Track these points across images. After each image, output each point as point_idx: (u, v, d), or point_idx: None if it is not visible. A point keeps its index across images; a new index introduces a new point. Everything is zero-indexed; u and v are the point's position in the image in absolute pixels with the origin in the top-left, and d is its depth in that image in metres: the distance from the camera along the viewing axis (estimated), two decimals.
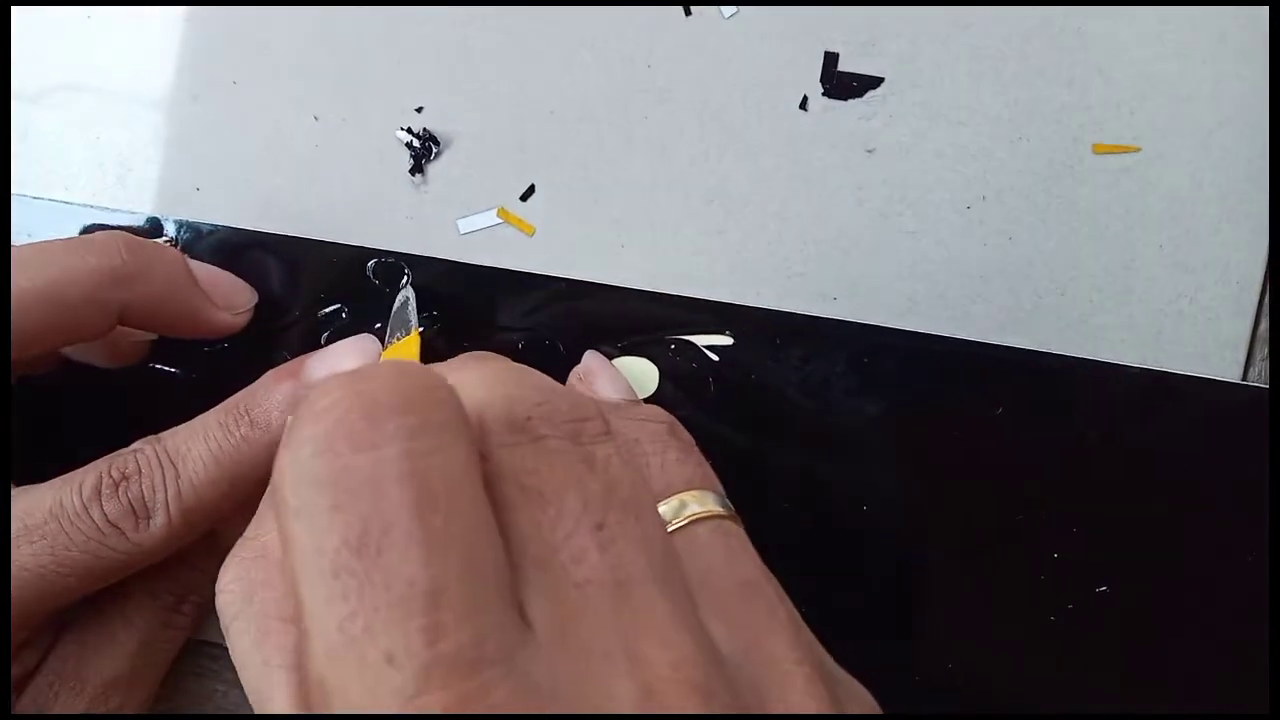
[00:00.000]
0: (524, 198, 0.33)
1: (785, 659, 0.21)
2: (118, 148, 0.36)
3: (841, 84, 0.31)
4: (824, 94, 0.32)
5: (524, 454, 0.20)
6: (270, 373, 0.31)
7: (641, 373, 0.33)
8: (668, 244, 0.33)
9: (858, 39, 0.31)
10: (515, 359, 0.33)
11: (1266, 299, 0.30)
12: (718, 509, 0.23)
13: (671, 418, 0.27)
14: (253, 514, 0.24)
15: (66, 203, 0.36)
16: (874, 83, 0.31)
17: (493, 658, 0.16)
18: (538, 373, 0.22)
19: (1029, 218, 0.31)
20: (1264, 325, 0.30)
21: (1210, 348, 0.30)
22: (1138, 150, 0.30)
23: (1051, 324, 0.31)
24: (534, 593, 0.18)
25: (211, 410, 0.30)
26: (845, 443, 0.32)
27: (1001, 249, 0.31)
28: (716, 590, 0.21)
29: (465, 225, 0.34)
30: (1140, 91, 0.30)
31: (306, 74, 0.34)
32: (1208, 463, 0.30)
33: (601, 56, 0.33)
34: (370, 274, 0.34)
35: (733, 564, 0.22)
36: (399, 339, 0.32)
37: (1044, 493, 0.31)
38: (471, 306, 0.33)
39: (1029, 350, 0.31)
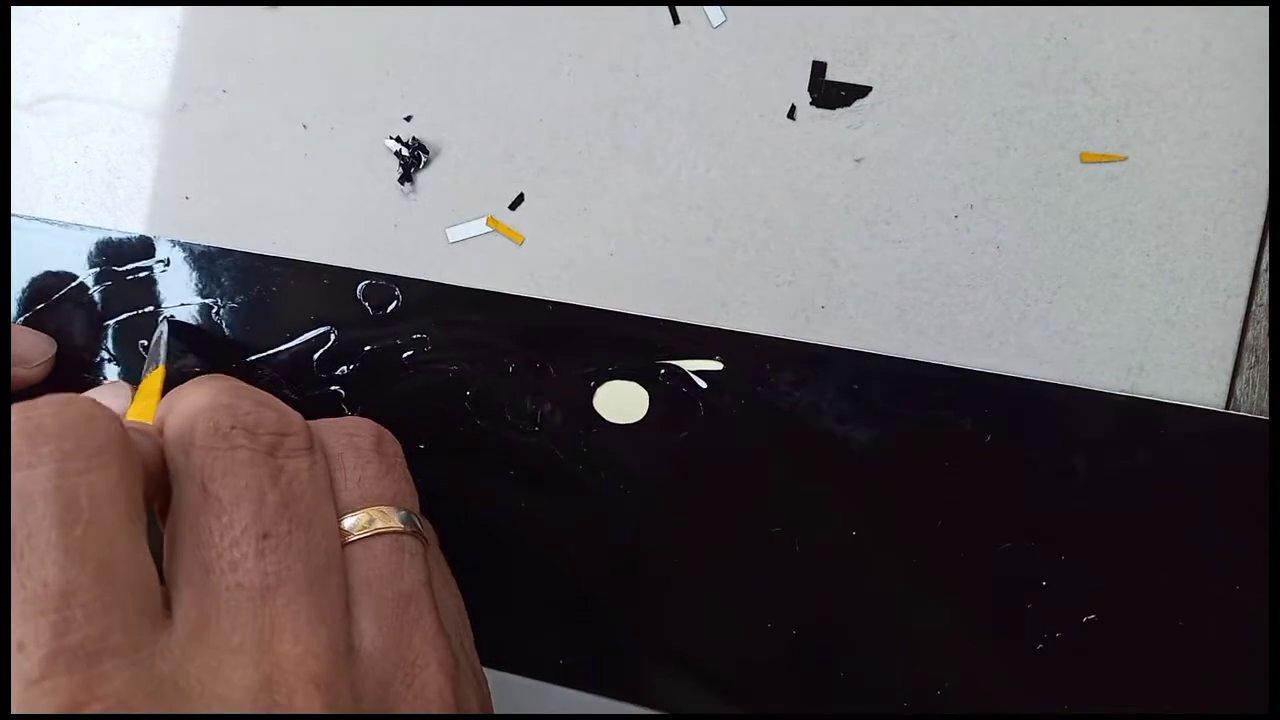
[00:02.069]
0: (513, 206, 0.33)
1: (419, 660, 0.23)
2: (107, 156, 0.36)
3: (829, 93, 0.31)
4: (812, 103, 0.32)
5: (215, 459, 0.22)
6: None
7: (631, 397, 0.33)
8: (656, 252, 0.33)
9: (845, 48, 0.31)
10: (505, 380, 0.33)
11: (1254, 309, 0.30)
12: (398, 525, 0.25)
13: (381, 433, 0.27)
14: None
15: (61, 223, 0.36)
16: (862, 92, 0.31)
17: (116, 650, 0.19)
18: (264, 393, 0.26)
19: (1017, 227, 0.31)
20: (1251, 334, 0.30)
21: (1198, 356, 0.30)
22: (1125, 159, 0.30)
23: (1039, 332, 0.31)
24: (189, 592, 0.21)
25: None
26: (834, 469, 0.32)
27: (989, 258, 0.31)
28: (376, 596, 0.24)
29: (454, 234, 0.34)
30: (1127, 101, 0.30)
31: (296, 83, 0.34)
32: (1196, 491, 0.30)
33: (590, 65, 0.33)
34: (359, 296, 0.34)
35: (398, 576, 0.24)
36: (151, 371, 0.32)
37: (1032, 521, 0.31)
38: (461, 328, 0.33)
39: (1019, 379, 0.31)
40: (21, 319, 0.36)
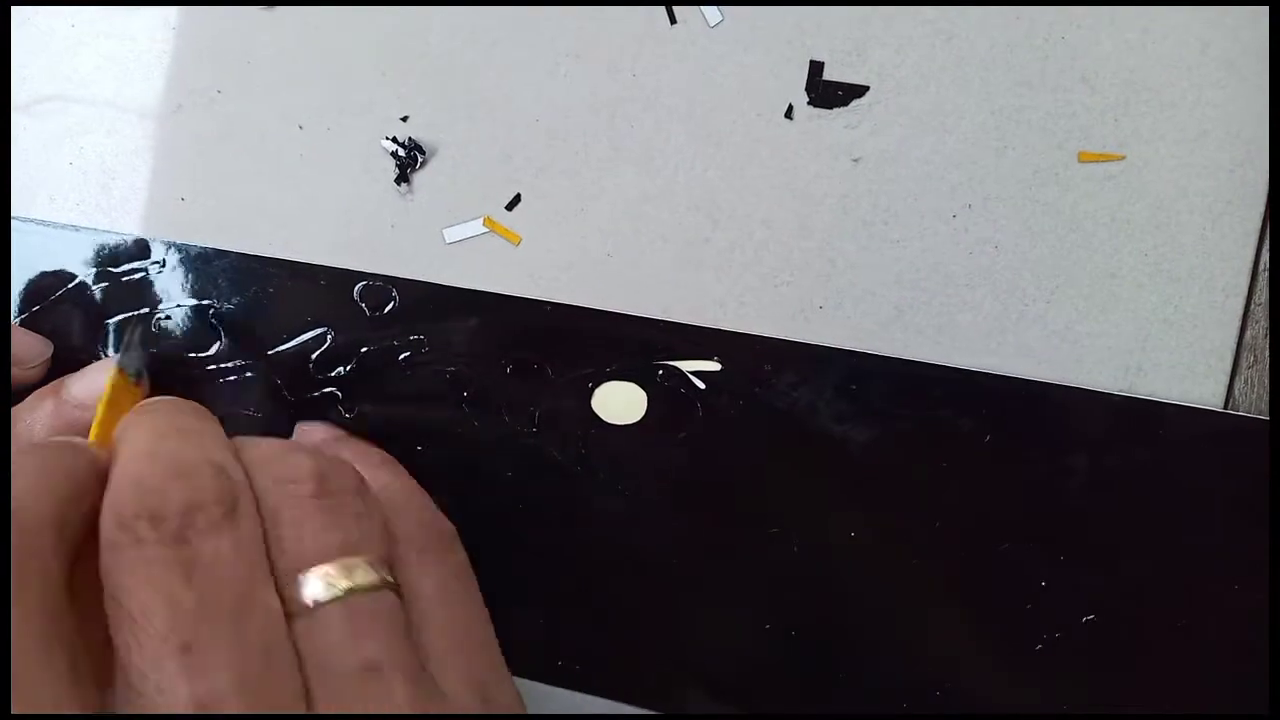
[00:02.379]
0: (510, 207, 0.33)
1: None
2: (102, 157, 0.36)
3: (827, 93, 0.31)
4: (809, 103, 0.32)
5: (121, 564, 0.20)
6: (35, 392, 0.32)
7: (629, 398, 0.32)
8: (654, 253, 0.32)
9: (843, 48, 0.31)
10: (503, 382, 0.33)
11: (1252, 308, 0.30)
12: (351, 582, 0.22)
13: (323, 471, 0.24)
14: None
15: (57, 225, 0.36)
16: (859, 91, 0.31)
17: None
18: (194, 435, 0.23)
19: (1014, 226, 0.31)
20: (1249, 333, 0.30)
21: (1196, 356, 0.30)
22: (1122, 158, 0.30)
23: (1037, 332, 0.31)
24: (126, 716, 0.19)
25: None
26: (833, 469, 0.32)
27: (987, 257, 0.31)
28: (336, 676, 0.21)
29: (451, 235, 0.34)
30: (1125, 100, 0.30)
31: (291, 83, 0.34)
32: (1196, 491, 0.30)
33: (587, 65, 0.33)
34: (356, 297, 0.34)
35: (356, 646, 0.21)
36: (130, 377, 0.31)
37: (1032, 521, 0.31)
38: (458, 329, 0.33)
39: (1018, 379, 0.30)
40: (17, 320, 0.36)
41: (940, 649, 0.32)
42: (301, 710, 0.20)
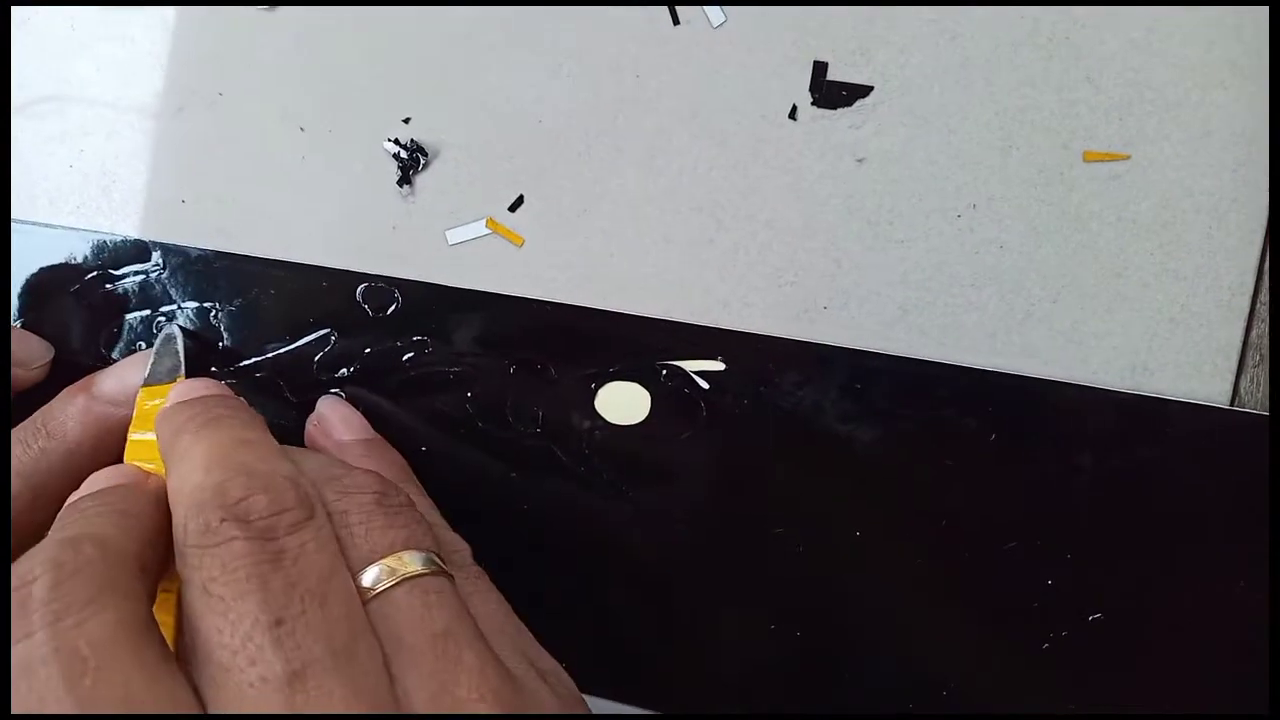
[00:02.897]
0: (513, 208, 0.33)
1: (469, 698, 0.23)
2: (102, 159, 0.36)
3: (831, 93, 0.31)
4: (813, 103, 0.31)
5: (211, 559, 0.22)
6: (66, 389, 0.33)
7: (633, 398, 0.32)
8: (657, 254, 0.32)
9: (847, 48, 0.31)
10: (506, 382, 0.33)
11: (1258, 307, 0.30)
12: (416, 569, 0.24)
13: (384, 484, 0.27)
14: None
15: (57, 227, 0.36)
16: (863, 91, 0.31)
17: None
18: (259, 447, 0.25)
19: (1020, 226, 0.31)
20: (1255, 332, 0.30)
21: (1202, 355, 0.30)
22: (1127, 158, 0.30)
23: (1043, 332, 0.31)
24: (216, 696, 0.21)
25: (16, 426, 0.32)
26: (838, 469, 0.32)
27: (992, 257, 0.31)
28: (410, 646, 0.23)
29: (453, 236, 0.33)
30: (1129, 99, 0.30)
31: (293, 85, 0.34)
32: (1202, 489, 0.30)
33: (590, 67, 0.33)
34: (359, 299, 0.34)
35: (426, 619, 0.24)
36: (162, 381, 0.32)
37: (1038, 520, 0.31)
38: (462, 329, 0.33)
39: (1023, 376, 0.30)
40: (18, 323, 0.36)
41: (946, 649, 0.32)
42: (384, 676, 0.22)
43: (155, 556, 0.24)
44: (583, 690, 0.34)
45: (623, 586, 0.33)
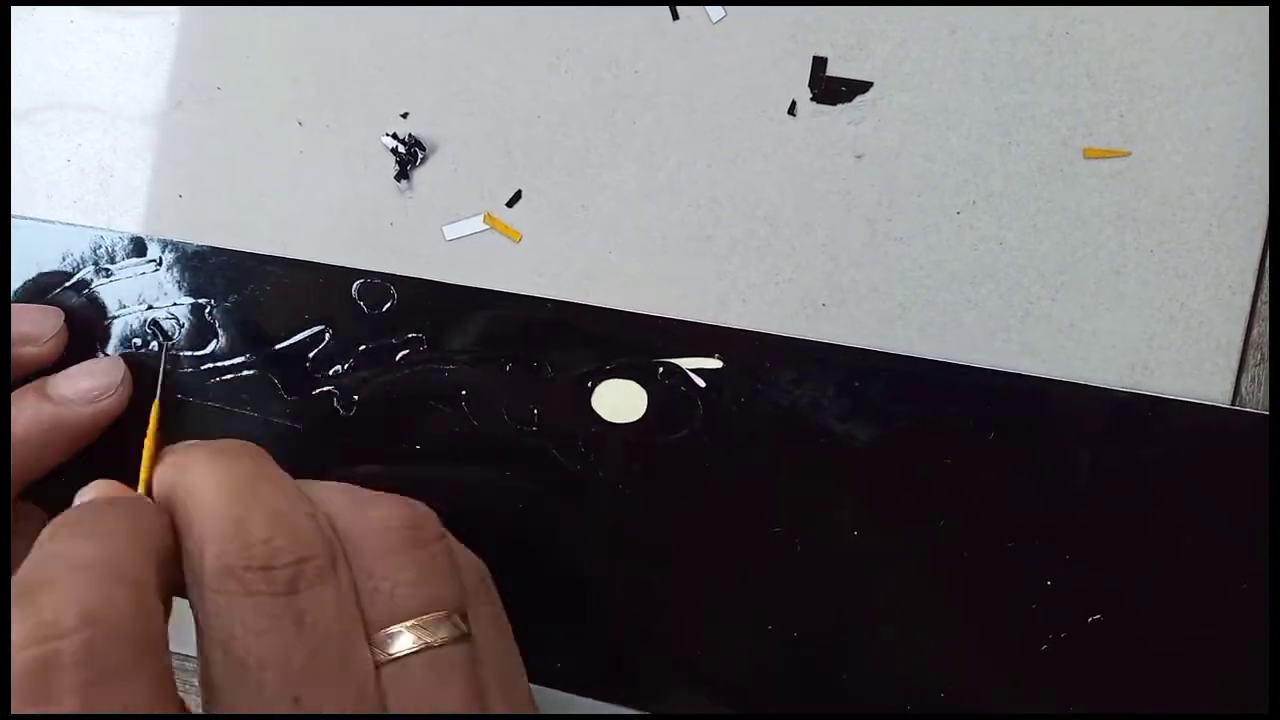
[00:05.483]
0: (510, 204, 0.33)
1: None
2: (100, 154, 0.35)
3: (830, 88, 0.31)
4: (813, 99, 0.31)
5: (231, 611, 0.21)
6: (16, 390, 0.32)
7: (630, 396, 0.32)
8: (655, 250, 0.32)
9: (846, 43, 0.31)
10: (502, 380, 0.33)
11: (1259, 305, 0.30)
12: (437, 639, 0.24)
13: (416, 520, 0.25)
14: None
15: (54, 223, 0.36)
16: (863, 87, 0.31)
17: None
18: (281, 483, 0.24)
19: (1019, 223, 0.30)
20: (1256, 330, 0.30)
21: (1202, 353, 0.30)
22: (1128, 154, 0.30)
23: (1042, 329, 0.30)
24: None
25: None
26: (836, 468, 0.31)
27: (992, 254, 0.31)
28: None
29: (451, 232, 0.33)
30: (1129, 95, 0.30)
31: (291, 80, 0.34)
32: (1202, 489, 0.29)
33: (588, 61, 0.32)
34: (355, 295, 0.34)
35: (438, 697, 0.23)
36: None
37: (1036, 520, 0.30)
38: (457, 326, 0.33)
39: (1022, 375, 0.30)
40: None
41: (944, 649, 0.31)
42: None
43: (169, 579, 0.23)
44: (577, 691, 0.34)
45: (619, 586, 0.33)
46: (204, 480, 0.24)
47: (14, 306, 0.34)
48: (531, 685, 0.34)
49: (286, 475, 0.25)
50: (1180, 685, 0.30)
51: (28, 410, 0.32)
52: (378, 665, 0.23)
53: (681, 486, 0.32)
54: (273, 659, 0.21)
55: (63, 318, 0.34)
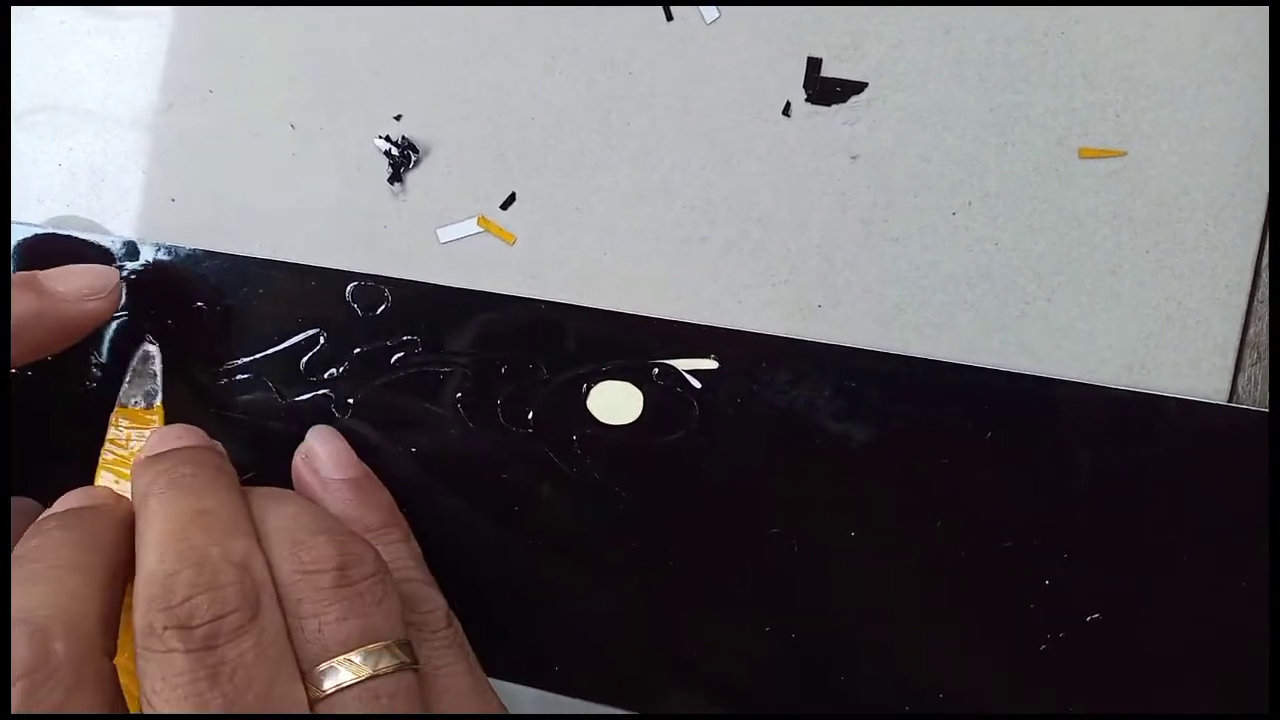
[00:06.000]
0: (504, 206, 0.33)
1: None
2: (91, 158, 0.35)
3: (825, 89, 0.31)
4: (807, 99, 0.31)
5: (154, 668, 0.22)
6: (13, 282, 0.31)
7: (625, 398, 0.32)
8: (650, 252, 0.32)
9: (841, 44, 0.31)
10: (497, 382, 0.33)
11: (1255, 304, 0.29)
12: (368, 671, 0.24)
13: (345, 555, 0.25)
14: None
15: (45, 227, 0.35)
16: (857, 88, 0.31)
17: None
18: (216, 520, 0.25)
19: (1015, 223, 0.30)
20: (1253, 330, 0.30)
21: (1199, 353, 0.30)
22: (1124, 154, 0.30)
23: (1039, 329, 0.30)
24: None
25: None
26: (832, 469, 0.31)
27: (987, 255, 0.31)
28: None
29: (445, 234, 0.33)
30: (1126, 95, 0.30)
31: (283, 82, 0.34)
32: (1201, 488, 0.29)
33: (582, 63, 0.32)
34: (349, 298, 0.33)
35: None
36: (138, 405, 0.32)
37: (1034, 519, 0.30)
38: (452, 328, 0.33)
39: (1019, 374, 0.30)
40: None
41: (942, 650, 0.31)
42: None
43: (117, 599, 0.25)
44: (573, 693, 0.34)
45: (615, 587, 0.33)
46: (149, 525, 0.25)
47: (75, 267, 0.33)
48: (529, 689, 0.34)
49: (231, 504, 0.26)
50: (1179, 685, 0.30)
51: (19, 303, 0.31)
52: (314, 702, 0.23)
53: (678, 488, 0.32)
54: (188, 706, 0.22)
55: (119, 275, 0.33)
